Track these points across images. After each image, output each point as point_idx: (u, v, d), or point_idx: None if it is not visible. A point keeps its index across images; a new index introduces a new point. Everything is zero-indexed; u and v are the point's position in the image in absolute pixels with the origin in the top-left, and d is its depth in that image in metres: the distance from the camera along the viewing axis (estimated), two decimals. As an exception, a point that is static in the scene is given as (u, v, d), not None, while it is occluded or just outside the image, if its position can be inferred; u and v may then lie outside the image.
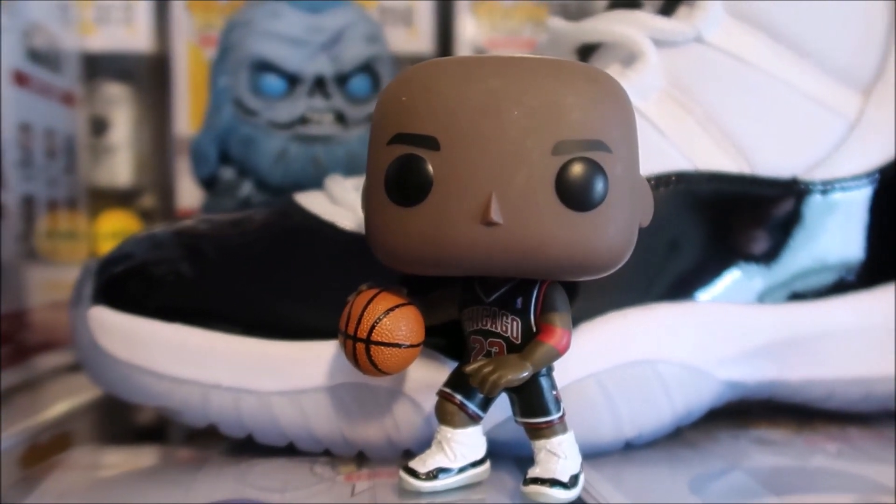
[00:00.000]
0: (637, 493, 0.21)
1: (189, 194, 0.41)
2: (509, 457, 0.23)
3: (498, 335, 0.20)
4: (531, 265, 0.18)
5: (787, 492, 0.21)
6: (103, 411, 0.34)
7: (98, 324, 0.24)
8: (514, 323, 0.20)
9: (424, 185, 0.18)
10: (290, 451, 0.23)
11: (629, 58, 0.26)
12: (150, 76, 0.42)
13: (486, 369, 0.19)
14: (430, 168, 0.18)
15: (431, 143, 0.18)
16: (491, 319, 0.20)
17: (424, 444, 0.23)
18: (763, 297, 0.25)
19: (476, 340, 0.20)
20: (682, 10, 0.26)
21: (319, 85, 0.34)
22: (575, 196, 0.17)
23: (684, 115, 0.25)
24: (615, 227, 0.18)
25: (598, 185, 0.18)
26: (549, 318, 0.20)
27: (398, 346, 0.19)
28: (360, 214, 0.25)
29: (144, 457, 0.27)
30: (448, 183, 0.18)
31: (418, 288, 0.21)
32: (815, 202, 0.26)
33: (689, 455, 0.24)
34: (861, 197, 0.26)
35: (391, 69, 0.35)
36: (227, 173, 0.35)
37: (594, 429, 0.23)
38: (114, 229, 0.41)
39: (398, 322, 0.19)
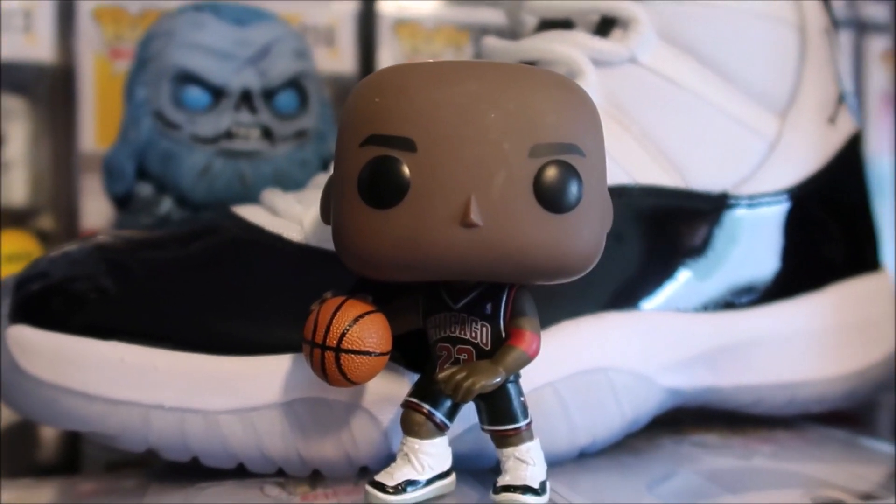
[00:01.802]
0: (597, 498, 0.21)
1: (95, 214, 0.39)
2: (466, 469, 0.22)
3: (467, 342, 0.20)
4: (508, 267, 0.18)
5: (740, 490, 0.22)
6: (3, 447, 0.31)
7: (18, 344, 0.22)
8: (484, 329, 0.20)
9: (401, 187, 0.18)
10: (237, 473, 0.22)
11: (568, 75, 0.26)
12: (50, 89, 0.40)
13: (459, 376, 0.19)
14: (407, 170, 0.18)
15: (408, 145, 0.18)
16: (459, 326, 0.20)
17: (382, 459, 0.22)
18: (700, 306, 0.26)
19: (443, 348, 0.20)
20: (617, 33, 0.27)
21: (246, 99, 0.33)
22: (552, 198, 0.18)
23: (622, 131, 0.26)
24: (589, 230, 0.18)
25: (574, 188, 0.18)
26: (519, 322, 0.19)
27: (368, 353, 0.19)
28: (307, 227, 0.24)
29: (67, 490, 0.24)
30: (425, 185, 0.18)
31: (379, 297, 0.20)
32: (743, 216, 0.27)
33: (636, 461, 0.25)
34: (782, 211, 0.28)
35: (318, 86, 0.35)
36: (145, 189, 0.33)
37: (550, 437, 0.23)
38: (10, 251, 0.38)
39: (368, 329, 0.19)
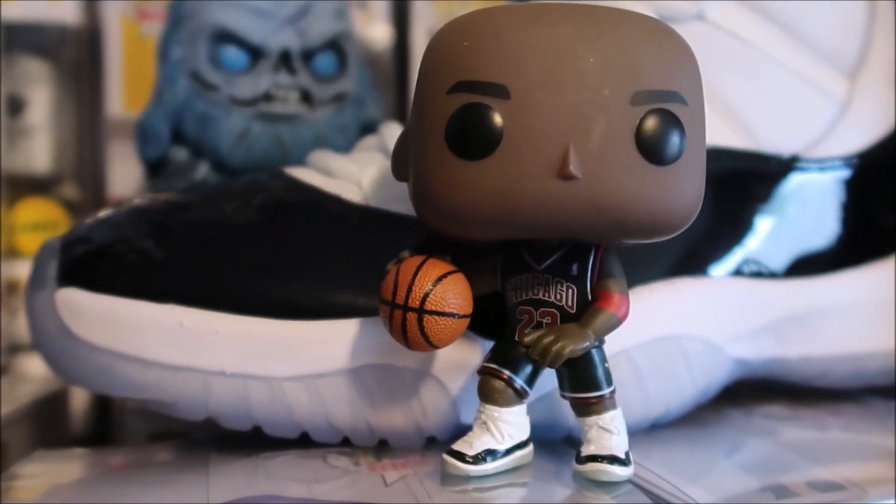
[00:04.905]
0: (675, 468, 0.20)
1: (122, 181, 0.37)
2: (538, 439, 0.21)
3: (551, 304, 0.19)
4: (607, 223, 0.17)
5: (824, 461, 0.21)
6: (36, 419, 0.30)
7: (69, 307, 0.21)
8: (570, 291, 0.18)
9: (493, 136, 0.16)
10: (298, 443, 0.21)
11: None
12: (75, 52, 0.38)
13: (547, 339, 0.18)
14: (499, 118, 0.16)
15: (500, 91, 0.16)
16: (543, 288, 0.19)
17: (450, 429, 0.21)
18: (769, 273, 0.25)
19: (525, 311, 0.19)
20: (683, -12, 0.26)
21: (285, 60, 0.31)
22: (656, 149, 0.17)
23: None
24: (690, 184, 0.17)
25: (677, 139, 0.17)
26: (607, 284, 0.19)
27: (452, 315, 0.18)
28: (366, 187, 0.23)
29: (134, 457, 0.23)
30: (520, 134, 0.16)
31: (455, 258, 0.19)
32: (813, 180, 0.26)
33: (707, 433, 0.24)
34: (851, 176, 0.27)
35: (356, 49, 0.34)
36: (180, 154, 0.32)
37: (624, 406, 0.21)
38: (34, 219, 0.37)
39: (451, 290, 0.18)
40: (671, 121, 0.17)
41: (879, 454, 0.22)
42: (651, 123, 0.17)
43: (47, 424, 0.31)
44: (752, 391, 0.28)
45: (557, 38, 0.17)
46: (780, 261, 0.26)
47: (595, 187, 0.16)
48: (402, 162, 0.19)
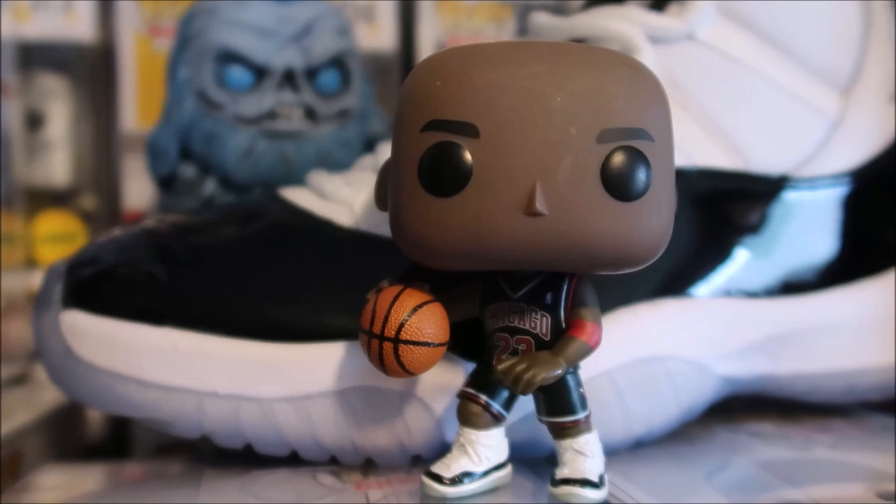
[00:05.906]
0: (654, 489, 0.21)
1: (137, 194, 0.38)
2: (520, 458, 0.22)
3: (526, 332, 0.19)
4: (574, 257, 0.17)
5: (800, 482, 0.21)
6: (53, 428, 0.31)
7: (72, 329, 0.22)
8: (544, 319, 0.19)
9: (463, 174, 0.17)
10: (289, 461, 0.22)
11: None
12: (90, 68, 0.39)
13: (519, 367, 0.18)
14: (469, 156, 0.17)
15: (470, 130, 0.17)
16: (518, 316, 0.19)
17: (435, 448, 0.22)
18: (757, 292, 0.26)
19: (501, 338, 0.19)
20: (673, 8, 0.26)
21: (289, 78, 0.32)
22: (621, 186, 0.17)
23: (680, 111, 0.25)
24: (657, 218, 0.18)
25: (643, 175, 0.17)
26: (580, 313, 0.19)
27: (427, 344, 0.18)
28: (358, 211, 0.24)
29: (122, 472, 0.25)
30: (489, 172, 0.17)
31: (434, 285, 0.20)
32: (803, 199, 0.26)
33: (692, 451, 0.24)
34: (842, 194, 0.27)
35: (360, 65, 0.34)
36: (188, 171, 0.33)
37: (606, 426, 0.22)
38: (53, 232, 0.38)
39: (427, 320, 0.18)
40: (637, 158, 0.17)
41: (861, 475, 0.22)
42: (617, 161, 0.17)
43: (65, 432, 0.32)
44: (743, 406, 0.28)
45: (527, 78, 0.17)
46: (769, 279, 0.26)
47: (561, 223, 0.17)
48: (383, 193, 0.19)
